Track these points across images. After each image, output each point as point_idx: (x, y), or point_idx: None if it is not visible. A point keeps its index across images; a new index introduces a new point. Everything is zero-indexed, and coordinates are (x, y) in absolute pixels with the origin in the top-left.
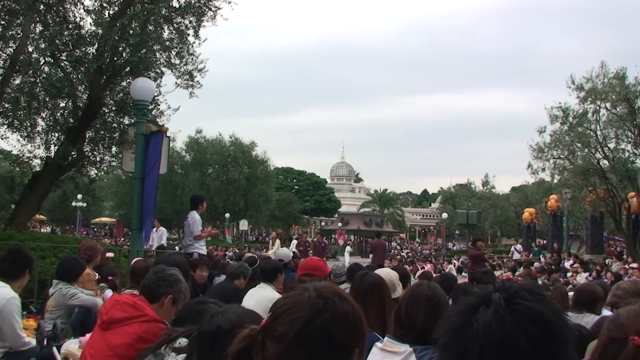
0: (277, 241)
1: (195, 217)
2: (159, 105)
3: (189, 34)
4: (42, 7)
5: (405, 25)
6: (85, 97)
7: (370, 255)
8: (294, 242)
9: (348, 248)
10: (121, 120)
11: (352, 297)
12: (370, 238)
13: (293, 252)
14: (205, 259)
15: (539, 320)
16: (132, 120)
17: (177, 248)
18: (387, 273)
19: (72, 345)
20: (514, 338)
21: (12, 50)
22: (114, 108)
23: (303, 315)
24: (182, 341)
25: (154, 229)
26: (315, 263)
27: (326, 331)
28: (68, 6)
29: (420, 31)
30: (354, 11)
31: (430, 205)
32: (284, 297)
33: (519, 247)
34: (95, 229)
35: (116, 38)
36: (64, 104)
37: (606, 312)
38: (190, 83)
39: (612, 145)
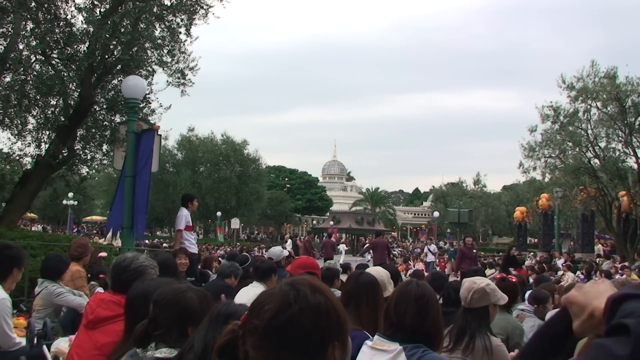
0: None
1: (182, 212)
2: (151, 103)
3: (180, 32)
4: (33, 4)
5: (394, 24)
6: (76, 95)
7: (368, 254)
8: (289, 241)
9: (343, 246)
10: (112, 118)
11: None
12: (362, 236)
13: (289, 251)
14: (184, 248)
15: None
16: (124, 119)
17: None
18: (377, 272)
19: (62, 343)
20: None
21: (2, 47)
22: (105, 106)
23: (273, 306)
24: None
25: None
26: (312, 261)
27: (295, 322)
28: (59, 4)
29: (409, 30)
30: (343, 10)
31: (422, 204)
32: (262, 292)
33: (432, 247)
34: (87, 227)
35: (107, 36)
36: (54, 102)
37: None
38: (182, 81)
39: (602, 144)
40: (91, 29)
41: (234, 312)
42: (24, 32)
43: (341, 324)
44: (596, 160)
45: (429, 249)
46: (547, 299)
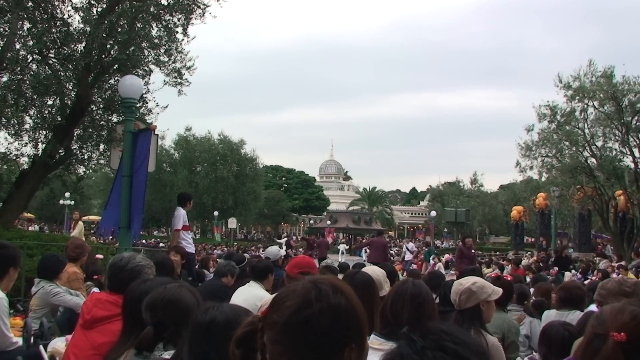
0: (80, 223)
1: (179, 212)
2: (147, 103)
3: (177, 32)
4: (29, 4)
5: (391, 24)
6: (73, 95)
7: (363, 251)
8: (284, 240)
9: (343, 246)
10: (109, 118)
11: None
12: (360, 236)
13: (286, 251)
14: (177, 246)
15: None
16: (120, 118)
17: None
18: (374, 271)
19: (58, 343)
20: None
21: None
22: (101, 106)
23: (294, 303)
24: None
25: None
26: (309, 261)
27: (314, 321)
28: (56, 3)
29: (405, 29)
30: (340, 10)
31: (419, 204)
32: (285, 287)
33: (410, 245)
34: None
35: (104, 35)
36: (51, 102)
37: (591, 307)
38: (179, 81)
39: (599, 144)
40: (88, 29)
41: (211, 320)
42: (20, 32)
43: (360, 327)
44: (593, 160)
45: (407, 248)
46: (527, 295)
